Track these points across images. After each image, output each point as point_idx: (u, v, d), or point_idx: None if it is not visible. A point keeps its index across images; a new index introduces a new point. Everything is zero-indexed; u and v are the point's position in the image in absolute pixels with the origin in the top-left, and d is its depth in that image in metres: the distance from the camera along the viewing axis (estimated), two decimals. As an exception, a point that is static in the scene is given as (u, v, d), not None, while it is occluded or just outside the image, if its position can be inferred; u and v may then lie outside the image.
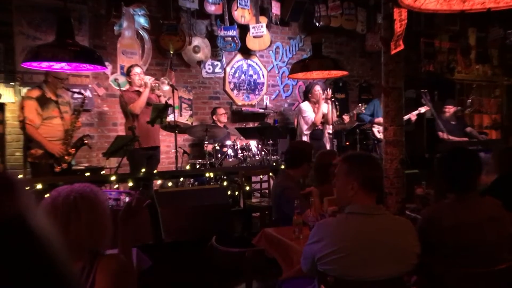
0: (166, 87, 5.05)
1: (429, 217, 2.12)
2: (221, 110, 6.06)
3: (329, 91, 5.67)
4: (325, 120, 5.75)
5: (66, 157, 4.25)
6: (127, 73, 5.05)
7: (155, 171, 4.69)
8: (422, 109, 6.19)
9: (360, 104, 6.09)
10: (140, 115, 4.82)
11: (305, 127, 5.84)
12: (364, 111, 6.19)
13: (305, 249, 1.92)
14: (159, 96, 5.05)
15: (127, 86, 5.13)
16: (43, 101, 4.21)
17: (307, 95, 6.08)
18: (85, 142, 4.38)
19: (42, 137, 4.16)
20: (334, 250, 1.77)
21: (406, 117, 6.15)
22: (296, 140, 5.94)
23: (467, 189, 2.07)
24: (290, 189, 3.07)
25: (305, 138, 5.86)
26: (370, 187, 1.87)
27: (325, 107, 5.80)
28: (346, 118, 5.89)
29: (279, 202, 3.14)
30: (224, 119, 6.01)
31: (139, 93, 4.87)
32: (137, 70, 4.98)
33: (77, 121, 4.39)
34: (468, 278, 1.89)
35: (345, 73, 5.10)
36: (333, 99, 5.58)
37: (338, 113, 5.88)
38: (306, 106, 5.87)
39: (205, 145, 5.27)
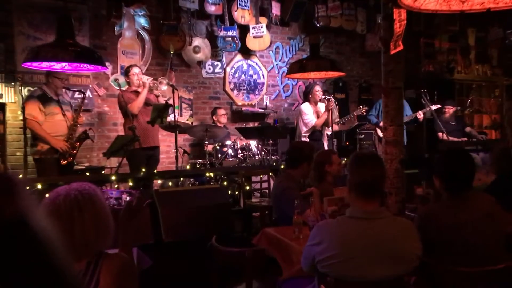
0: (165, 87, 5.05)
1: (426, 215, 2.13)
2: (221, 111, 6.06)
3: (332, 101, 5.60)
4: (325, 123, 5.74)
5: (72, 151, 4.35)
6: (126, 73, 5.03)
7: (155, 171, 4.70)
8: (433, 107, 6.12)
9: (360, 106, 6.07)
10: (139, 115, 4.81)
11: (304, 129, 5.80)
12: (364, 113, 6.19)
13: (305, 250, 1.93)
14: (157, 96, 5.05)
15: (127, 87, 5.13)
16: (44, 99, 4.27)
17: (307, 95, 6.08)
18: (88, 135, 4.46)
19: (46, 133, 4.23)
20: (333, 254, 1.77)
21: (412, 116, 6.15)
22: (296, 141, 5.93)
23: (462, 188, 2.10)
24: (290, 189, 3.07)
25: (304, 139, 5.86)
26: (360, 192, 1.86)
27: (323, 107, 5.82)
28: (335, 127, 5.85)
29: (279, 202, 3.14)
30: (224, 120, 6.01)
31: (137, 93, 4.87)
32: (135, 70, 4.97)
33: (79, 117, 4.45)
34: (467, 278, 1.90)
35: (342, 74, 5.11)
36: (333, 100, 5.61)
37: (338, 113, 5.89)
38: (306, 108, 5.82)
39: (205, 145, 5.27)
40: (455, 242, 1.98)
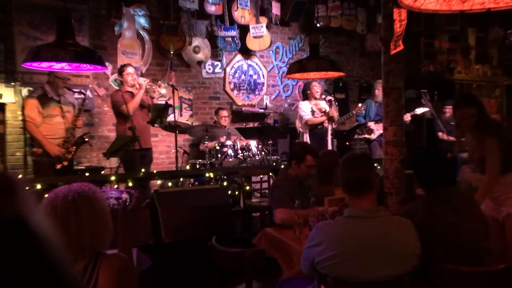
0: (163, 90, 5.04)
1: (406, 212, 2.15)
2: (224, 113, 6.01)
3: (333, 110, 5.66)
4: (328, 117, 5.73)
5: (67, 155, 4.30)
6: (119, 73, 4.97)
7: (155, 171, 4.70)
8: (418, 110, 6.12)
9: (360, 105, 6.10)
10: (133, 116, 4.77)
11: (298, 124, 6.01)
12: (363, 111, 6.19)
13: (305, 251, 1.93)
14: (152, 98, 4.98)
15: (120, 86, 5.11)
16: (44, 100, 4.24)
17: (305, 93, 6.10)
18: (85, 140, 4.41)
19: (42, 136, 4.20)
20: (333, 255, 1.77)
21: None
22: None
23: (435, 184, 2.16)
24: (279, 187, 3.14)
25: (305, 136, 5.88)
26: (350, 189, 1.91)
27: (325, 104, 5.83)
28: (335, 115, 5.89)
29: (271, 199, 3.19)
30: (224, 122, 5.96)
31: (131, 94, 4.81)
32: (129, 70, 4.90)
33: (78, 120, 4.41)
34: (466, 278, 1.90)
35: (341, 74, 5.11)
36: (333, 100, 5.64)
37: (337, 113, 5.90)
38: (304, 105, 5.93)
39: (203, 144, 5.21)
40: (430, 236, 2.00)
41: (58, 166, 4.24)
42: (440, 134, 6.34)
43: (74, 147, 4.37)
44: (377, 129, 6.12)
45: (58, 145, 4.26)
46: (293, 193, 2.99)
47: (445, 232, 2.01)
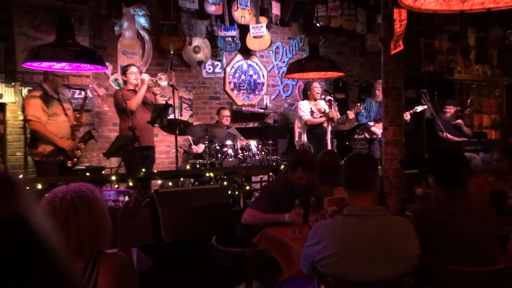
0: (164, 83, 5.05)
1: (420, 212, 2.16)
2: (225, 112, 6.00)
3: (333, 111, 5.65)
4: (328, 118, 5.72)
5: (76, 151, 4.31)
6: (123, 72, 5.03)
7: (155, 171, 4.70)
8: (419, 108, 6.13)
9: (358, 104, 6.10)
10: (137, 113, 4.80)
11: (298, 124, 6.00)
12: (363, 111, 6.19)
13: (304, 251, 1.93)
14: (155, 95, 5.02)
15: (124, 86, 5.13)
16: (46, 99, 4.21)
17: (305, 93, 6.10)
18: (93, 134, 4.43)
19: (52, 133, 4.16)
20: (332, 253, 1.77)
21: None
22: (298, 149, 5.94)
23: (453, 183, 2.15)
24: (264, 189, 3.26)
25: (303, 136, 5.88)
26: (350, 188, 1.92)
27: (324, 105, 5.82)
28: (350, 114, 5.86)
29: None
30: (225, 121, 5.96)
31: (135, 92, 4.85)
32: (133, 69, 4.95)
33: (82, 117, 4.42)
34: (466, 278, 1.90)
35: (341, 74, 5.11)
36: (333, 100, 5.63)
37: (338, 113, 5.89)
38: (303, 105, 5.91)
39: (205, 144, 5.22)
40: (444, 236, 2.00)
41: (69, 164, 4.23)
42: (440, 134, 6.34)
43: (82, 144, 4.39)
44: (379, 129, 6.11)
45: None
46: (280, 195, 3.01)
47: (459, 233, 2.01)
